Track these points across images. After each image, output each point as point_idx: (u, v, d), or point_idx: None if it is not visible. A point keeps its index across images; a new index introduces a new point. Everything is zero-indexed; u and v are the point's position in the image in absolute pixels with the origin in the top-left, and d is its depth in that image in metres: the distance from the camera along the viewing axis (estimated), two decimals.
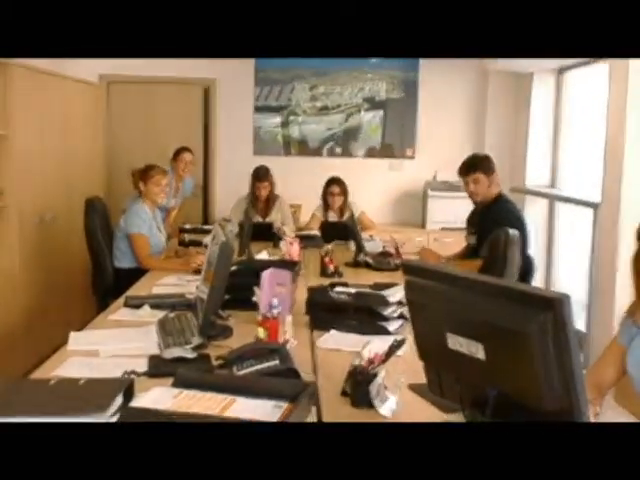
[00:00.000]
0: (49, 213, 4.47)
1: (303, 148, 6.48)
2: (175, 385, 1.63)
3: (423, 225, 6.16)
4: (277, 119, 6.43)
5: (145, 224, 3.90)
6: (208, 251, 2.74)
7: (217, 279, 2.32)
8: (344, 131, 6.45)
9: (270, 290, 2.62)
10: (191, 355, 2.17)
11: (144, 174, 3.96)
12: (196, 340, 2.30)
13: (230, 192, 6.03)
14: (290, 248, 3.52)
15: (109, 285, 3.90)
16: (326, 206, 5.36)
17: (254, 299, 2.69)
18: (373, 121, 6.43)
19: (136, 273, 3.77)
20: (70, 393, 1.71)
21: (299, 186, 5.99)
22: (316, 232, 5.04)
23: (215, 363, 2.13)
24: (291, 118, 6.44)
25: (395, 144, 6.44)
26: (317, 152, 6.48)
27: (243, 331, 2.48)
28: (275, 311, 2.27)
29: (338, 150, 6.47)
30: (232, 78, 6.28)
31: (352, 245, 4.24)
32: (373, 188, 6.28)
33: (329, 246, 3.72)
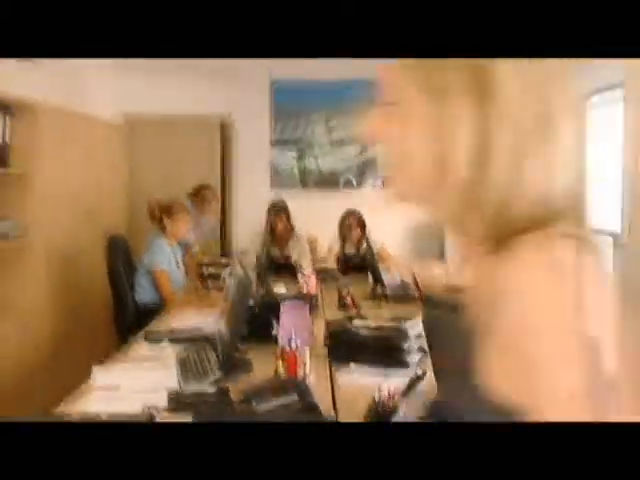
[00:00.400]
0: (73, 248, 4.53)
1: (319, 181, 6.53)
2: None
3: (442, 256, 6.16)
4: (293, 152, 6.50)
5: (166, 260, 3.95)
6: (226, 285, 2.78)
7: (235, 313, 2.35)
8: (360, 163, 6.50)
9: (288, 323, 2.64)
10: (210, 389, 2.19)
11: (166, 210, 4.00)
12: (215, 374, 2.31)
13: (248, 226, 6.09)
14: (307, 281, 3.54)
15: (131, 320, 3.93)
16: (343, 239, 5.38)
17: (273, 332, 2.71)
18: None
19: (157, 308, 3.81)
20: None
21: (316, 219, 6.01)
22: (333, 265, 5.07)
23: (234, 398, 2.14)
24: (307, 151, 6.51)
25: None
26: (333, 184, 6.53)
27: (262, 365, 2.49)
28: (294, 344, 2.28)
29: (354, 182, 6.52)
30: (248, 112, 6.38)
31: (370, 278, 4.25)
32: (390, 219, 6.28)
33: (347, 279, 3.73)
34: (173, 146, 6.34)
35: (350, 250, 5.35)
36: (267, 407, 2.00)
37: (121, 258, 4.03)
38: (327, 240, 5.57)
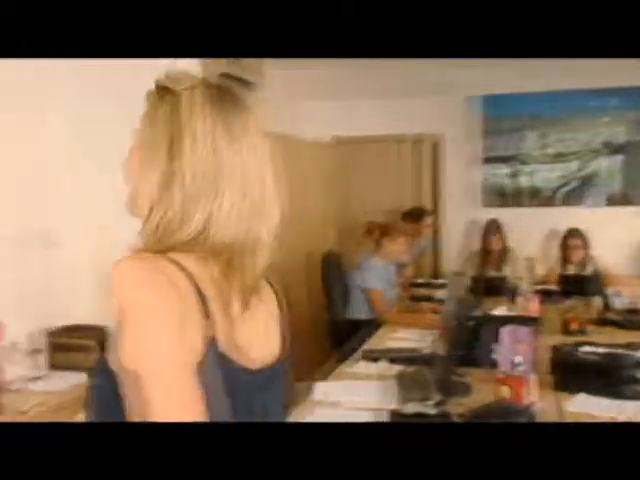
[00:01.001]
0: (291, 265, 4.75)
1: (534, 198, 6.23)
2: None
3: None
4: (506, 169, 6.27)
5: (381, 279, 3.98)
6: (444, 307, 2.72)
7: (456, 334, 2.28)
8: (580, 179, 6.10)
9: (511, 347, 2.51)
10: (432, 411, 2.14)
11: (385, 231, 4.05)
12: (436, 396, 2.26)
13: (460, 245, 5.98)
14: (528, 304, 3.36)
15: (345, 337, 4.01)
16: (564, 259, 5.07)
17: (493, 356, 2.59)
18: (612, 166, 6.01)
19: (370, 326, 3.85)
20: None
21: (532, 238, 5.74)
22: (554, 287, 4.79)
23: (456, 421, 2.07)
24: (520, 167, 6.24)
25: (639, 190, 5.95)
26: (549, 202, 6.19)
27: (482, 389, 2.39)
28: (519, 369, 2.16)
29: (573, 199, 6.12)
30: (460, 131, 6.28)
31: (594, 301, 3.94)
32: (615, 238, 5.82)
33: (572, 302, 3.49)
34: (383, 166, 6.42)
35: (571, 271, 5.03)
36: None
37: (335, 275, 4.14)
38: (545, 260, 5.29)
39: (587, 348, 2.65)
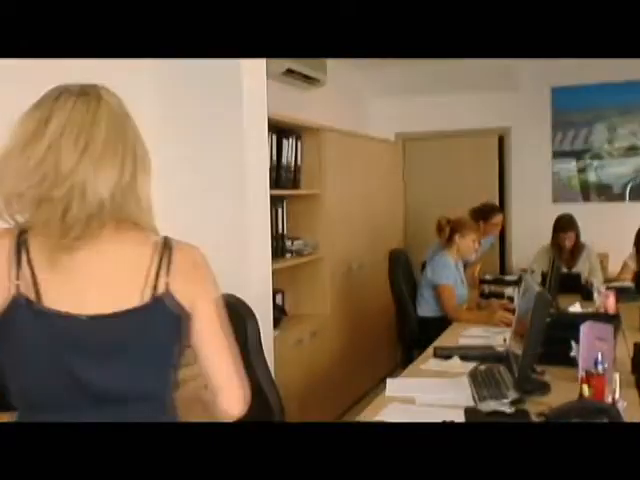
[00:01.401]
0: (356, 262, 4.74)
1: (605, 193, 6.03)
2: None
3: None
4: (575, 164, 6.09)
5: (452, 275, 3.92)
6: (518, 303, 2.65)
7: (534, 332, 2.21)
8: None
9: (590, 345, 2.42)
10: (509, 410, 2.08)
11: (460, 227, 3.98)
12: (512, 394, 2.20)
13: (527, 241, 5.83)
14: (606, 301, 3.24)
15: (414, 333, 3.97)
16: (639, 255, 4.88)
17: (572, 354, 2.51)
18: None
19: (440, 322, 3.79)
20: None
21: (603, 234, 5.54)
22: (629, 283, 4.62)
23: (535, 420, 2.01)
24: (589, 162, 6.05)
25: None
26: (620, 197, 5.98)
27: (561, 387, 2.32)
28: (600, 367, 2.08)
29: None
30: (528, 124, 6.13)
31: None
32: None
33: None
34: (451, 164, 6.33)
35: None
36: None
37: (402, 271, 4.09)
38: (619, 256, 5.10)
39: None
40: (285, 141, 4.02)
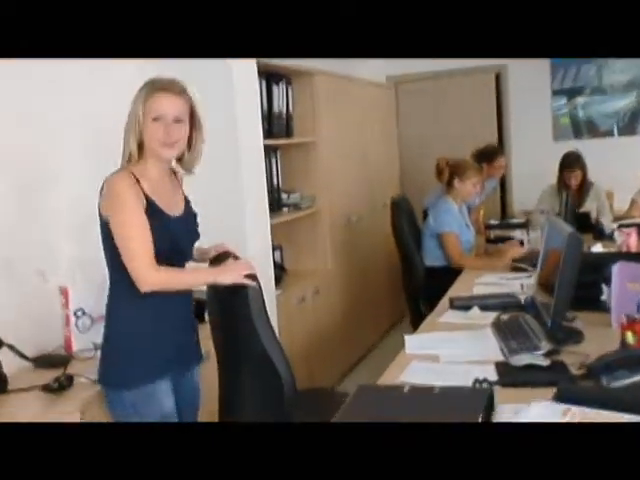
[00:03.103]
0: (355, 214, 4.53)
1: (609, 129, 5.80)
2: (559, 400, 1.38)
3: None
4: (574, 101, 5.84)
5: (455, 221, 3.71)
6: (542, 246, 2.45)
7: (566, 276, 2.01)
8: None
9: (623, 287, 2.24)
10: (544, 363, 1.89)
11: (459, 170, 3.74)
12: (546, 345, 2.01)
13: (529, 182, 5.63)
14: (628, 239, 3.05)
15: (420, 284, 3.78)
16: None
17: (602, 298, 2.33)
18: None
19: (447, 272, 3.61)
20: (429, 402, 1.55)
21: (607, 171, 5.32)
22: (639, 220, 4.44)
23: (575, 372, 1.83)
24: (592, 98, 5.80)
25: None
26: (628, 132, 5.76)
27: (594, 335, 2.14)
28: None
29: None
30: (525, 62, 5.85)
31: None
32: None
33: None
34: (445, 105, 6.08)
35: None
36: (621, 383, 1.66)
37: (406, 220, 3.88)
38: (624, 194, 4.93)
39: None
40: (275, 87, 3.75)
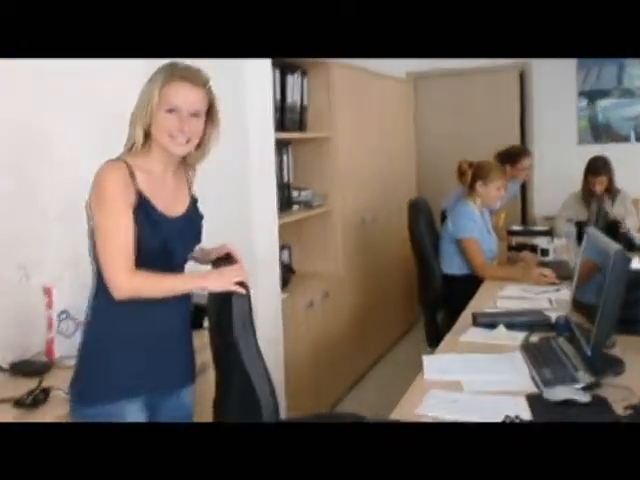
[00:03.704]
0: (369, 214, 4.29)
1: (613, 134, 5.52)
2: None
3: None
4: (595, 103, 5.57)
5: (476, 227, 3.46)
6: (580, 261, 2.21)
7: (610, 297, 1.77)
8: None
9: None
10: (584, 399, 1.66)
11: (483, 173, 3.48)
12: (585, 377, 1.78)
13: (550, 187, 5.40)
14: None
15: (437, 292, 3.54)
16: None
17: None
18: None
19: (466, 280, 3.37)
20: None
21: (633, 177, 5.05)
22: None
23: (621, 413, 1.60)
24: (622, 100, 5.52)
25: None
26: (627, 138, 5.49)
27: (637, 364, 1.91)
28: None
29: None
30: (551, 61, 5.57)
31: None
32: None
33: None
34: (466, 103, 5.82)
35: None
36: None
37: (424, 223, 3.64)
38: None
39: None
40: (290, 77, 3.52)
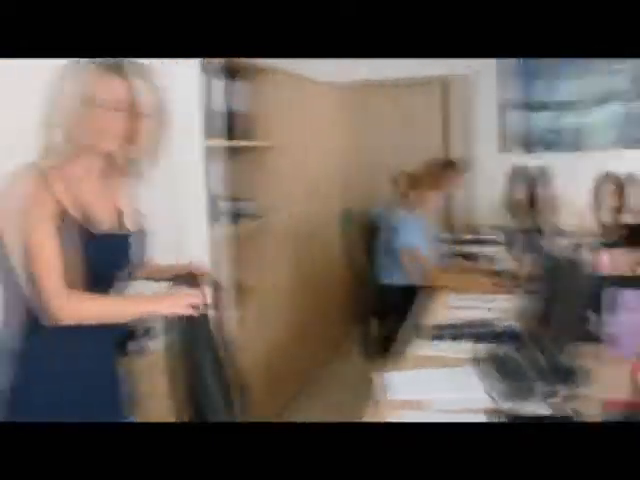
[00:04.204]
0: (309, 226, 4.19)
1: (557, 142, 5.69)
2: None
3: None
4: (524, 113, 5.71)
5: (417, 236, 3.43)
6: (535, 272, 2.19)
7: (566, 307, 1.75)
8: (608, 120, 5.55)
9: (620, 318, 2.01)
10: (545, 412, 1.62)
11: (421, 182, 3.47)
12: (543, 389, 1.74)
13: (475, 195, 5.48)
14: (601, 259, 2.84)
15: (374, 304, 3.49)
16: (599, 206, 4.57)
17: (590, 328, 2.09)
18: None
19: (406, 291, 3.34)
20: None
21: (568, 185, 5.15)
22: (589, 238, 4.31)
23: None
24: (542, 110, 5.68)
25: None
26: (574, 146, 5.65)
27: (592, 373, 1.88)
28: None
29: (601, 142, 5.57)
30: (489, 73, 5.66)
31: None
32: None
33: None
34: (395, 112, 5.83)
35: (607, 219, 4.52)
36: None
37: (359, 234, 3.58)
38: (576, 208, 4.83)
39: None
40: (231, 84, 3.38)
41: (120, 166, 1.58)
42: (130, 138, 1.52)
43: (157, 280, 1.79)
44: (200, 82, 2.93)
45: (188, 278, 1.70)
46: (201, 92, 2.95)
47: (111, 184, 1.63)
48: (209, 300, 1.61)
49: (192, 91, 2.85)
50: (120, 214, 1.65)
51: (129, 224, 1.65)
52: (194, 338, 1.58)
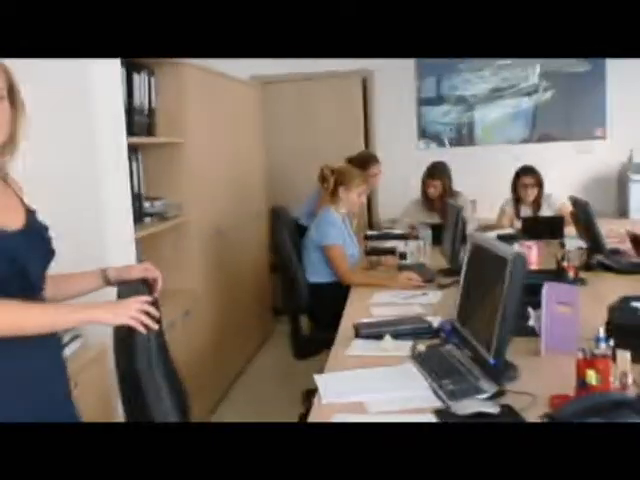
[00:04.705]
0: (224, 224, 4.08)
1: (472, 137, 5.81)
2: None
3: (623, 214, 5.32)
4: (442, 108, 5.80)
5: (340, 234, 3.40)
6: (465, 269, 2.18)
7: (510, 304, 1.73)
8: (515, 115, 5.71)
9: (553, 312, 2.03)
10: (494, 410, 1.61)
11: (346, 178, 3.43)
12: (489, 387, 1.73)
13: (393, 190, 5.53)
14: (529, 253, 2.89)
15: (303, 301, 3.44)
16: (517, 200, 4.69)
17: (531, 323, 2.11)
18: (552, 100, 5.65)
19: (333, 288, 3.31)
20: None
21: (471, 179, 5.28)
22: (511, 230, 4.41)
23: (537, 419, 1.56)
24: (457, 107, 5.78)
25: (580, 124, 5.63)
26: (487, 140, 5.79)
27: (526, 367, 1.90)
28: (603, 345, 1.66)
29: (513, 136, 5.75)
30: (392, 68, 5.70)
31: (570, 243, 3.55)
32: (557, 175, 5.47)
33: (566, 247, 3.07)
34: (312, 108, 5.79)
35: (526, 212, 4.65)
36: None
37: (287, 231, 3.51)
38: (489, 202, 4.95)
39: (637, 303, 2.18)
40: (136, 77, 3.24)
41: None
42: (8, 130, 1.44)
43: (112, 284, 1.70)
44: (119, 77, 2.79)
45: (139, 283, 1.60)
46: (122, 88, 2.82)
47: (6, 184, 1.54)
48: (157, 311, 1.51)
49: (112, 88, 2.71)
50: (27, 212, 1.54)
51: (35, 221, 1.55)
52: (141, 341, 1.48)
